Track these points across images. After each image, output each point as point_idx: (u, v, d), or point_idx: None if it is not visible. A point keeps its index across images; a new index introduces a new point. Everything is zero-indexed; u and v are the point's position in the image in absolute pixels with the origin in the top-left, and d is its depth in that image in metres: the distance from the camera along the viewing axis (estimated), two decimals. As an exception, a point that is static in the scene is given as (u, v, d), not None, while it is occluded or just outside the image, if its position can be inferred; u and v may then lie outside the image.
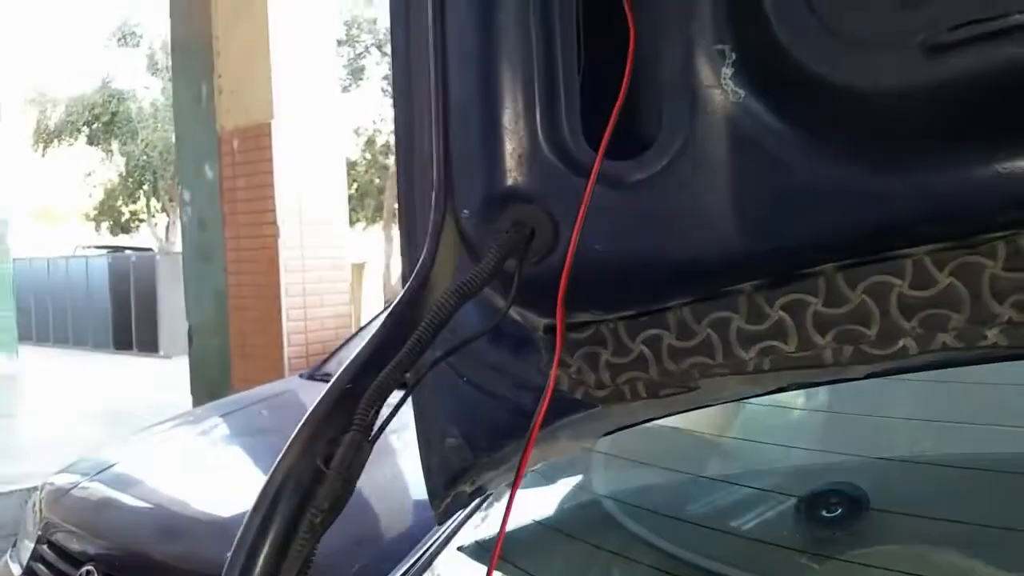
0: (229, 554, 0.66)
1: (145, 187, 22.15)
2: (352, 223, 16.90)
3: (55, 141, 22.17)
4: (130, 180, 22.06)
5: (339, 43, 15.68)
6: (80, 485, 3.28)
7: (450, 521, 1.33)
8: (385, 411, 0.68)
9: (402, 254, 0.89)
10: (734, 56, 0.67)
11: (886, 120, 0.64)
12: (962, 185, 0.61)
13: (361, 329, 4.97)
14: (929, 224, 0.64)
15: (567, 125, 0.73)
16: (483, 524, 1.34)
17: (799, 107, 0.66)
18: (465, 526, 1.34)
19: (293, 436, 0.67)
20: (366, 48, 17.24)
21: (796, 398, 1.36)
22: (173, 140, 9.06)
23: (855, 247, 0.66)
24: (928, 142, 0.63)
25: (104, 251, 19.57)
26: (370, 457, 0.66)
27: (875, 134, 0.65)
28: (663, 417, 0.80)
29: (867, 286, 0.67)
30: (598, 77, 0.74)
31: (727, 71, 0.67)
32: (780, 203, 0.67)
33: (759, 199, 0.68)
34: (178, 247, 11.50)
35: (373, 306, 13.50)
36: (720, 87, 0.67)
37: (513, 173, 0.74)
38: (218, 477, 3.32)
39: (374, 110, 18.22)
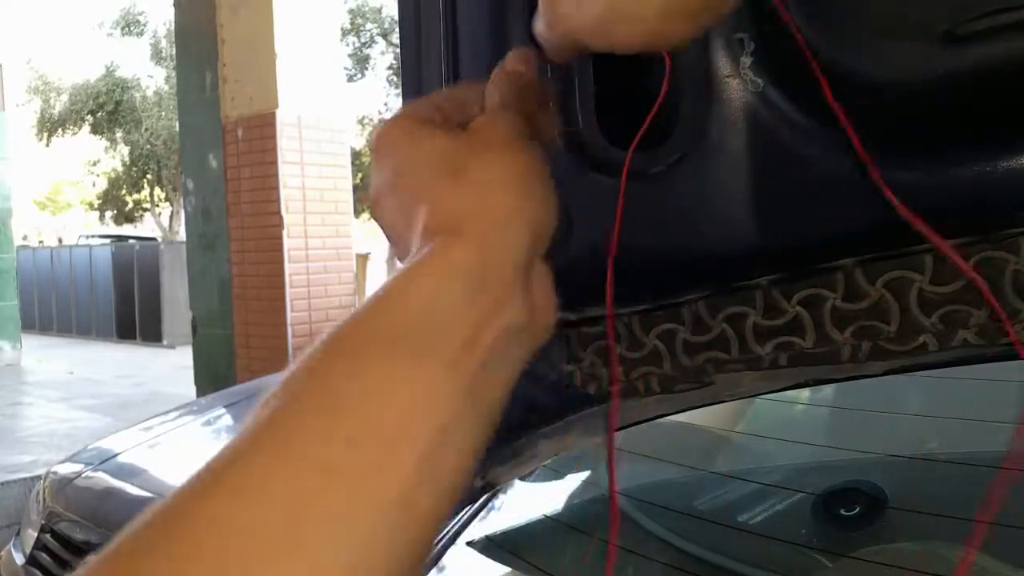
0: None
1: (149, 176, 22.19)
2: (357, 213, 16.90)
3: (59, 130, 22.18)
4: (134, 169, 22.08)
5: (344, 32, 15.67)
6: (84, 474, 3.29)
7: (459, 516, 1.33)
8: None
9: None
10: (753, 45, 0.65)
11: (907, 112, 0.63)
12: (984, 179, 0.60)
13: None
14: (950, 218, 0.62)
15: (581, 116, 0.72)
16: (492, 519, 1.34)
17: (819, 98, 0.65)
18: (474, 521, 1.34)
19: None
20: (371, 37, 17.21)
21: (813, 394, 1.35)
22: (177, 129, 9.07)
23: (875, 241, 0.65)
24: (950, 134, 0.62)
25: (108, 240, 19.59)
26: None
27: (895, 126, 0.64)
28: (677, 412, 0.79)
29: (886, 281, 0.66)
30: (613, 66, 0.73)
31: (745, 60, 0.65)
32: (798, 196, 0.66)
33: (777, 191, 0.67)
34: (182, 236, 11.52)
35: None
36: (739, 77, 0.66)
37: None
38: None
39: (379, 100, 18.19)
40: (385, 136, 0.48)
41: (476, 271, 0.40)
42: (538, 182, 0.45)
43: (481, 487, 0.94)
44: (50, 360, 12.74)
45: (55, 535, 3.00)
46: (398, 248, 0.46)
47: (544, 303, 0.45)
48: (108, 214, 24.91)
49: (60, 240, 26.87)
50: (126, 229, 24.56)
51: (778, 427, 1.40)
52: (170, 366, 11.54)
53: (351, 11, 16.61)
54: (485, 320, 0.40)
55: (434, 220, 0.42)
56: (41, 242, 25.03)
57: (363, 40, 17.18)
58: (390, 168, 0.47)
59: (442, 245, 0.40)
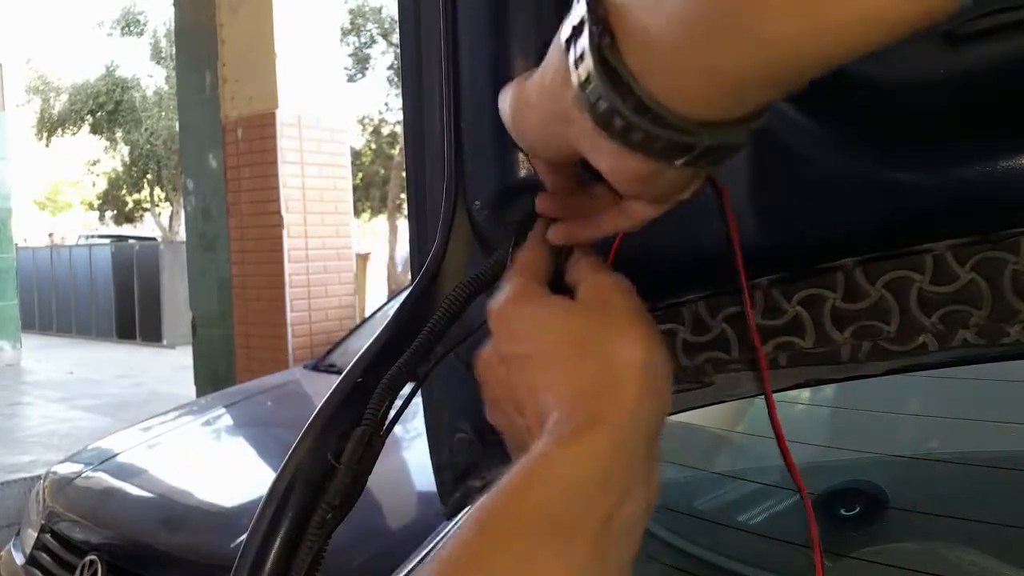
0: (240, 550, 0.65)
1: (149, 176, 22.16)
2: (357, 213, 16.91)
3: (59, 130, 22.16)
4: (134, 169, 22.05)
5: (344, 32, 15.67)
6: (84, 474, 3.29)
7: (457, 517, 1.32)
8: (397, 403, 0.67)
9: (411, 246, 0.88)
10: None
11: (908, 112, 0.63)
12: (984, 178, 0.60)
13: (365, 320, 4.96)
14: (950, 218, 0.62)
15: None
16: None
17: (819, 98, 0.65)
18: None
19: (304, 431, 0.66)
20: (371, 37, 17.19)
21: (813, 394, 1.34)
22: (177, 129, 9.07)
23: (875, 241, 0.65)
24: (950, 135, 0.62)
25: (108, 240, 19.59)
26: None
27: (896, 126, 0.64)
28: (676, 413, 0.79)
29: (887, 281, 0.65)
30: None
31: (746, 61, 0.65)
32: (798, 196, 0.65)
33: (777, 192, 0.66)
34: (182, 236, 11.52)
35: (377, 297, 13.50)
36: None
37: (525, 163, 0.72)
38: (221, 468, 3.32)
39: (379, 100, 18.18)
40: (504, 311, 0.50)
41: (611, 457, 0.41)
42: (661, 359, 0.46)
43: (481, 488, 0.94)
44: (50, 360, 12.73)
45: (55, 535, 2.99)
46: (501, 407, 0.50)
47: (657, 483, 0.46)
48: (108, 214, 24.89)
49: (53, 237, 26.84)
50: (126, 229, 24.54)
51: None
52: (170, 366, 11.54)
53: (351, 11, 16.58)
54: (617, 503, 0.41)
55: (571, 402, 0.43)
56: (51, 236, 24.90)
57: (363, 40, 17.15)
58: (509, 340, 0.49)
59: (584, 430, 0.42)
